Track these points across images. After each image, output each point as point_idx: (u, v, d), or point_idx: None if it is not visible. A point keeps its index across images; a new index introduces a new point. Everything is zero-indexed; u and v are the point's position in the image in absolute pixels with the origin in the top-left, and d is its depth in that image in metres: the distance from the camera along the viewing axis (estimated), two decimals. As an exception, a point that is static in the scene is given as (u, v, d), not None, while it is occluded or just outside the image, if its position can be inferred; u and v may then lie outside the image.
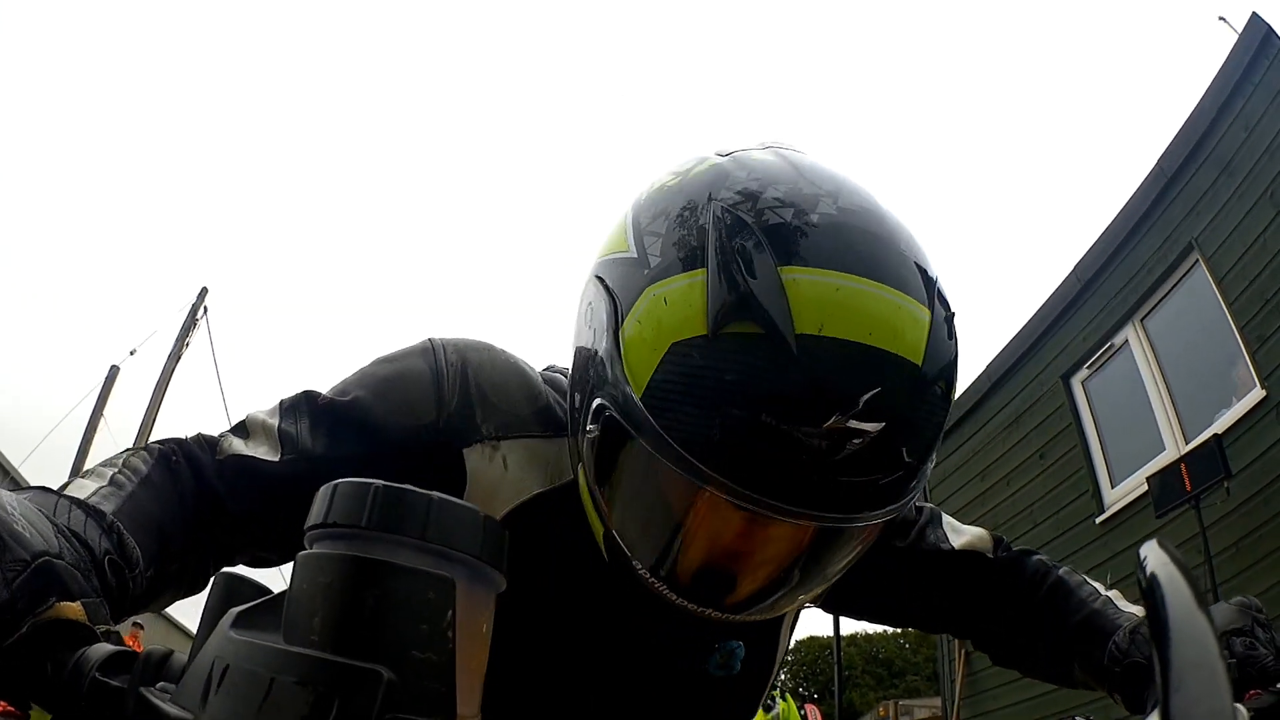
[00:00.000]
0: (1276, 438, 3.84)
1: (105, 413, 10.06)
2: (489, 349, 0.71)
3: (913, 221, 0.61)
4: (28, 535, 0.40)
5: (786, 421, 0.49)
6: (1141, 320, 4.99)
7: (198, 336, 10.52)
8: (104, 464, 0.56)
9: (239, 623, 0.29)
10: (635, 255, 0.58)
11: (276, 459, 0.61)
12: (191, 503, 0.58)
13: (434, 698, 0.28)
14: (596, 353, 0.58)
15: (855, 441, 0.49)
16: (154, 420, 10.13)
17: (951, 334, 0.56)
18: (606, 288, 0.59)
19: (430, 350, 0.68)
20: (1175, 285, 4.76)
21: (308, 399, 0.65)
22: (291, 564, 0.31)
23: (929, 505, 0.82)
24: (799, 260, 0.52)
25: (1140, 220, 4.98)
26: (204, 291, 10.77)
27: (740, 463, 0.50)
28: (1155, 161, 4.92)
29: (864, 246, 0.53)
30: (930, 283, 0.55)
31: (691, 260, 0.54)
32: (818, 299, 0.51)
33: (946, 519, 0.81)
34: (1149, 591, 0.35)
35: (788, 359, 0.50)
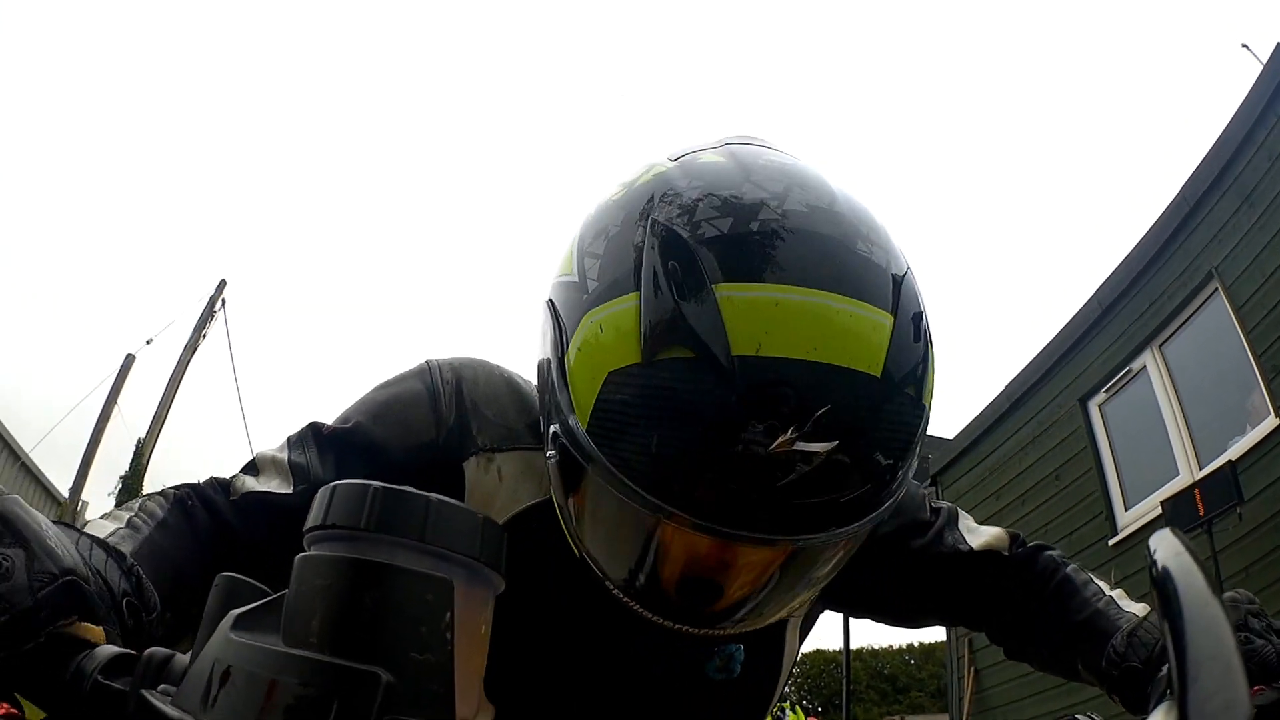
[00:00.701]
0: (1290, 467, 3.81)
1: (119, 402, 10.06)
2: (483, 365, 0.72)
3: (881, 211, 0.56)
4: (59, 552, 0.40)
5: (724, 447, 0.47)
6: (1160, 346, 4.96)
7: (215, 328, 10.53)
8: (121, 508, 0.57)
9: (239, 624, 0.29)
10: (576, 279, 0.56)
11: (290, 491, 0.62)
12: (209, 546, 0.59)
13: (433, 699, 0.28)
14: (550, 378, 0.57)
15: (804, 465, 0.46)
16: (168, 410, 10.11)
17: (919, 335, 0.52)
18: (554, 313, 0.57)
19: (426, 371, 0.70)
20: (1194, 313, 4.74)
21: (313, 430, 0.67)
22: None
23: (946, 504, 0.80)
24: (737, 275, 0.49)
25: (1162, 248, 4.96)
26: (223, 284, 10.81)
27: (686, 491, 0.48)
28: (1178, 190, 4.90)
29: (810, 253, 0.50)
30: (894, 282, 0.52)
31: (625, 284, 0.52)
32: (755, 316, 0.48)
33: (963, 518, 0.80)
34: (1161, 583, 0.33)
35: (722, 383, 0.47)
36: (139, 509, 0.57)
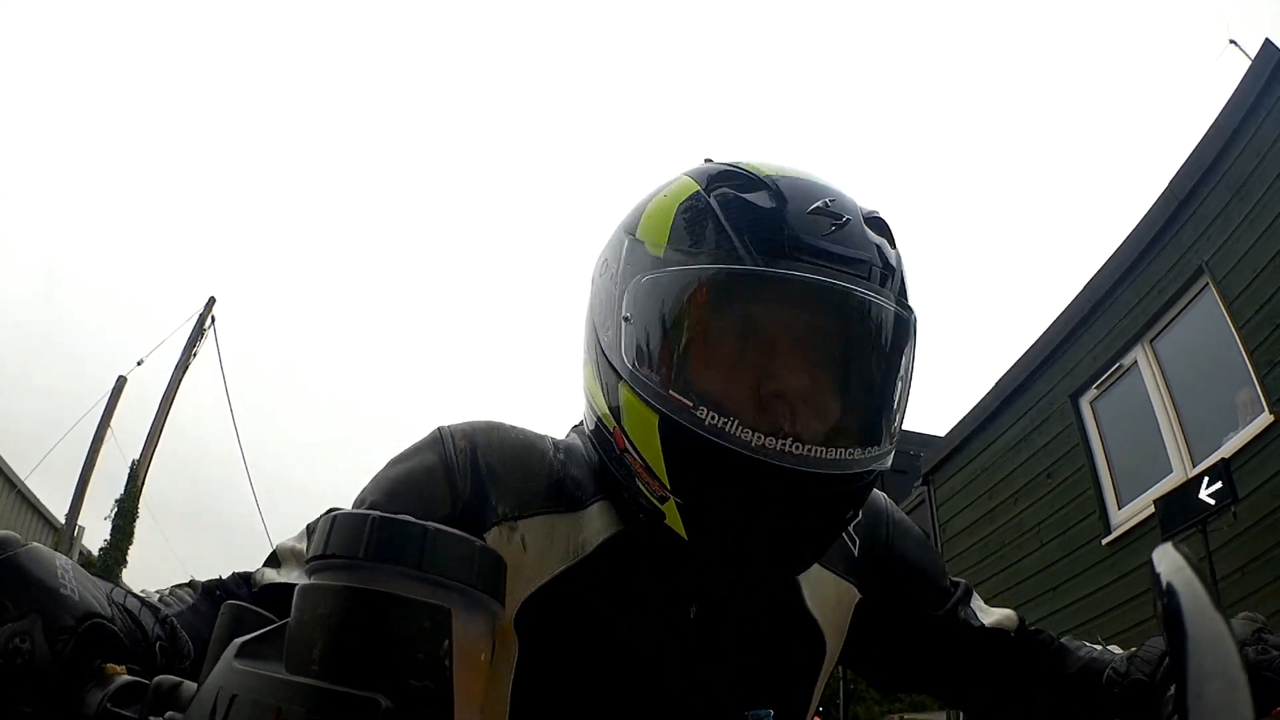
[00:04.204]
0: (1282, 464, 3.81)
1: (112, 424, 9.93)
2: (497, 429, 0.72)
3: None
4: (76, 598, 0.41)
5: (796, 215, 0.60)
6: (1151, 342, 4.97)
7: (205, 346, 10.45)
8: (148, 595, 0.58)
9: (243, 653, 0.30)
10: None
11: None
12: None
13: None
14: (616, 270, 0.66)
15: (837, 223, 0.61)
16: (160, 431, 10.00)
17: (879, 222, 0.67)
18: (614, 255, 0.68)
19: (439, 440, 0.69)
20: (1185, 308, 4.74)
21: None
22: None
23: (962, 581, 0.82)
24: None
25: (1151, 242, 4.96)
26: (211, 301, 10.74)
27: (778, 251, 0.59)
28: (1167, 183, 4.91)
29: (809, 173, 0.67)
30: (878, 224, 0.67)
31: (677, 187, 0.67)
32: (778, 168, 0.65)
33: (975, 598, 0.82)
34: (1163, 599, 0.32)
35: (769, 183, 0.62)
36: (169, 593, 0.58)
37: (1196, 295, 4.64)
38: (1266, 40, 4.34)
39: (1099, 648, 0.75)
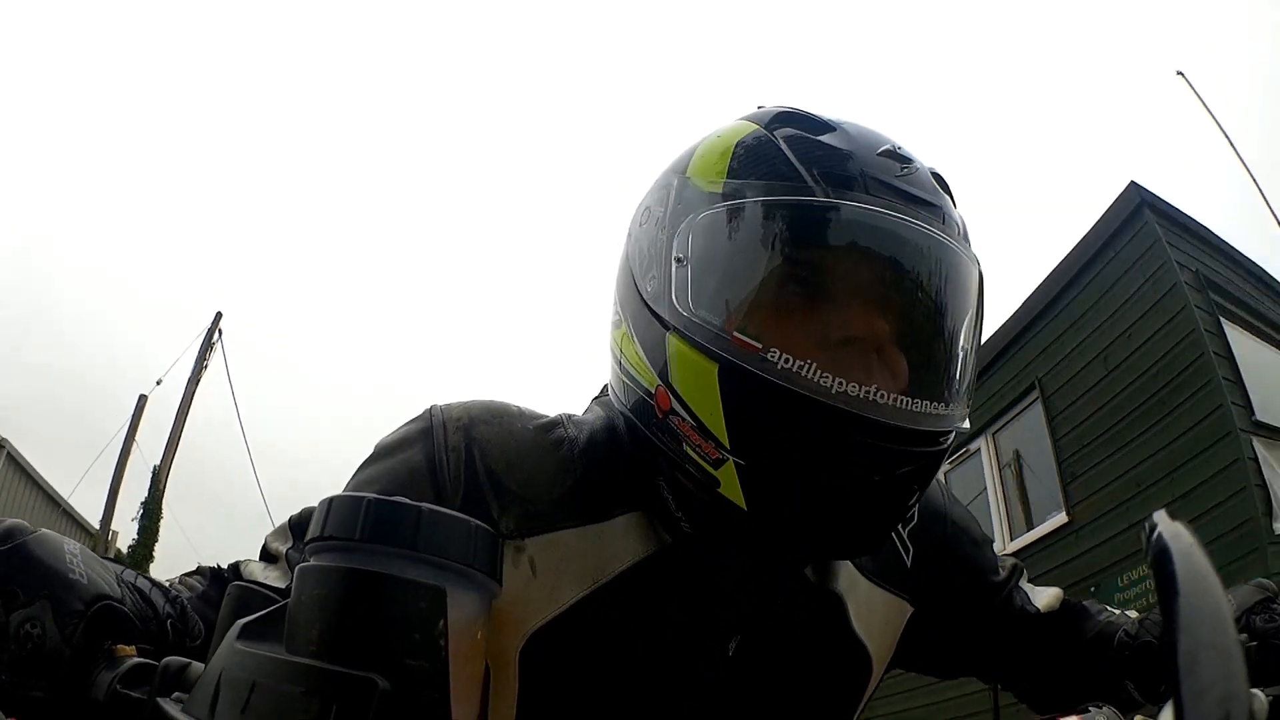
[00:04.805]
0: (1070, 556, 4.77)
1: (136, 437, 10.79)
2: (501, 416, 0.61)
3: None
4: (84, 581, 0.41)
5: (866, 155, 0.54)
6: (993, 434, 5.84)
7: (215, 359, 11.12)
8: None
9: (244, 634, 0.30)
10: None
11: (284, 586, 0.55)
12: None
13: (428, 704, 0.29)
14: (662, 214, 0.57)
15: (907, 166, 0.54)
16: (178, 439, 10.67)
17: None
18: (664, 196, 0.60)
19: (428, 432, 0.59)
20: (1020, 413, 5.61)
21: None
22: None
23: (1013, 561, 0.77)
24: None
25: (1000, 353, 5.80)
26: (218, 316, 11.26)
27: (851, 185, 0.52)
28: (1019, 305, 5.74)
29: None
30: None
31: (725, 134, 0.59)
32: (835, 117, 0.58)
33: (1024, 578, 0.77)
34: (1159, 564, 0.31)
35: (833, 125, 0.56)
36: (179, 582, 0.56)
37: (1029, 405, 5.49)
38: (1131, 182, 4.71)
39: (1117, 611, 0.73)
